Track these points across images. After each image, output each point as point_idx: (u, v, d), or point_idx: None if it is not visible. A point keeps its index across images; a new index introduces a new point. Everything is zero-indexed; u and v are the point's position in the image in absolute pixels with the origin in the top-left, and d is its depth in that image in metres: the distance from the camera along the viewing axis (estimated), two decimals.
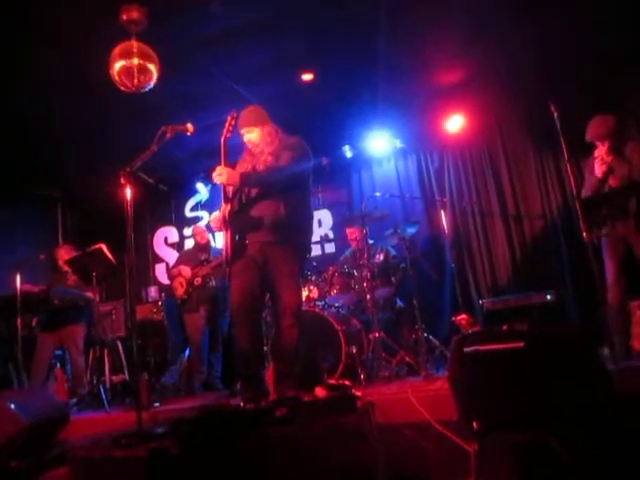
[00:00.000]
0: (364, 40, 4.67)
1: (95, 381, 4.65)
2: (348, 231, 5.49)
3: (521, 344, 2.31)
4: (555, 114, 3.56)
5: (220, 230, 3.61)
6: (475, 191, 6.30)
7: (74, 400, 4.91)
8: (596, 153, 3.94)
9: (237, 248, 3.48)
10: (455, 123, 6.18)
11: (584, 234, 3.43)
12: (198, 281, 5.39)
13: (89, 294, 4.99)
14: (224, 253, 3.57)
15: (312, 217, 3.83)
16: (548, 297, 4.77)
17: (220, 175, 3.38)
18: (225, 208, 3.53)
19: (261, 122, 3.61)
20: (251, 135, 3.60)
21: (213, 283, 5.44)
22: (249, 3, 4.17)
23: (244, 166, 3.63)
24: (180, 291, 5.41)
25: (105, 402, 4.36)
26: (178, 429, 2.29)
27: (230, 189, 3.55)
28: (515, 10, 4.57)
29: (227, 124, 3.51)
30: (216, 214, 3.68)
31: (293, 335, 3.41)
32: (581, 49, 5.06)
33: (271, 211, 3.45)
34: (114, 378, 5.22)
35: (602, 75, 5.36)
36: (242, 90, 5.19)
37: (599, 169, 3.87)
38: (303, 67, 5.16)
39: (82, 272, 4.80)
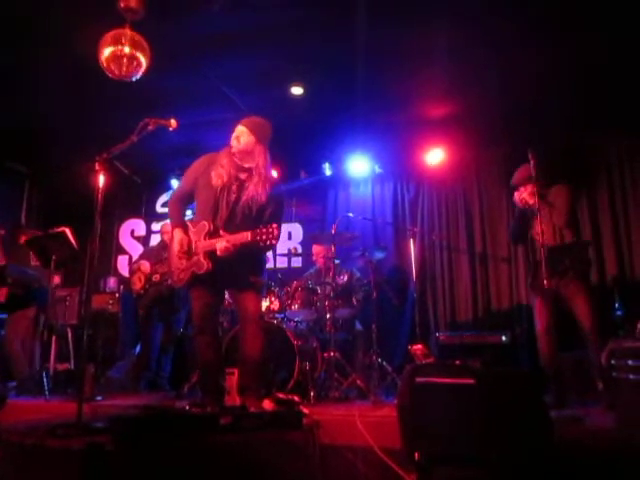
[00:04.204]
0: (353, 64, 4.70)
1: (38, 367, 4.51)
2: (314, 248, 5.50)
3: (472, 381, 2.34)
4: (532, 161, 3.65)
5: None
6: (446, 226, 6.40)
7: (13, 383, 4.75)
8: (517, 195, 4.04)
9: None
10: (435, 156, 6.27)
11: (545, 282, 3.50)
12: (156, 277, 5.34)
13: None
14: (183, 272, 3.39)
15: None
16: (503, 338, 4.85)
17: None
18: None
19: (261, 139, 3.40)
20: (242, 137, 3.37)
21: (170, 282, 5.38)
22: (247, 10, 4.18)
23: (220, 172, 3.35)
24: (137, 286, 5.35)
25: (45, 389, 4.23)
26: (117, 426, 2.24)
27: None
28: (501, 58, 4.68)
29: None
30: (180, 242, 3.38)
31: (258, 345, 3.34)
32: (560, 102, 5.21)
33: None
34: (58, 366, 5.08)
35: (577, 126, 5.55)
36: (230, 93, 5.18)
37: (520, 203, 4.01)
38: (293, 81, 5.18)
39: (41, 254, 4.65)
